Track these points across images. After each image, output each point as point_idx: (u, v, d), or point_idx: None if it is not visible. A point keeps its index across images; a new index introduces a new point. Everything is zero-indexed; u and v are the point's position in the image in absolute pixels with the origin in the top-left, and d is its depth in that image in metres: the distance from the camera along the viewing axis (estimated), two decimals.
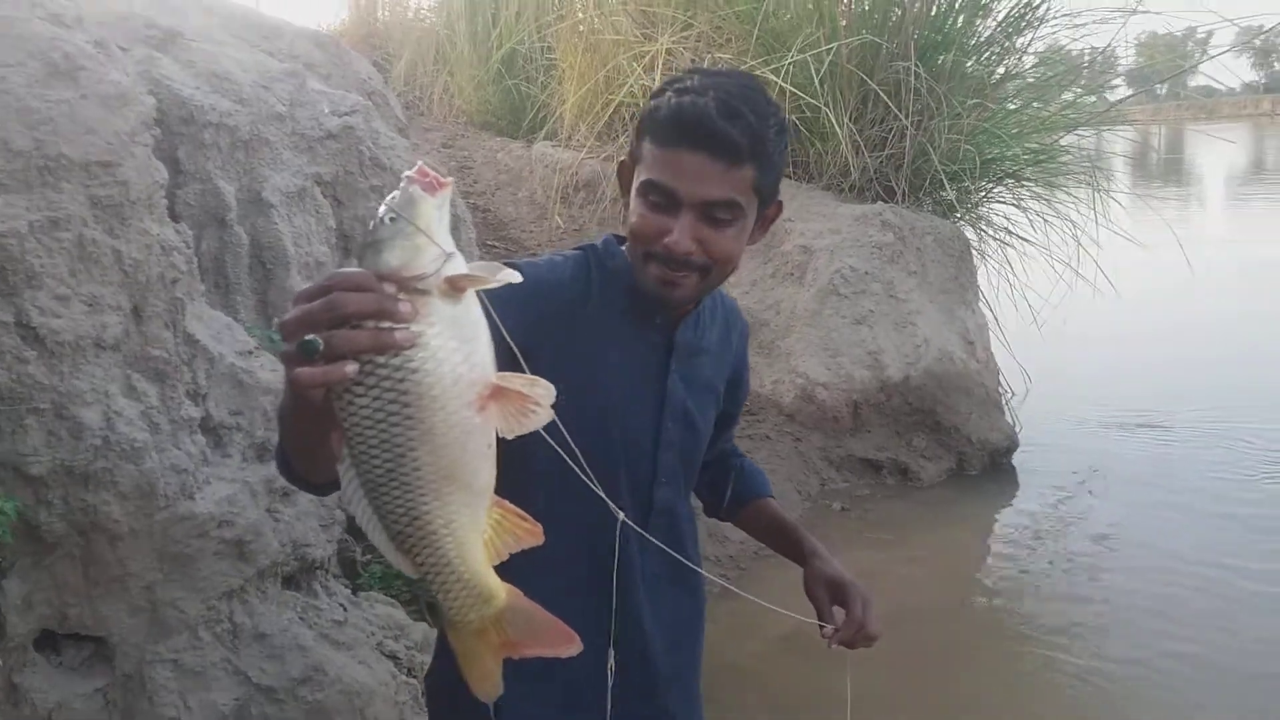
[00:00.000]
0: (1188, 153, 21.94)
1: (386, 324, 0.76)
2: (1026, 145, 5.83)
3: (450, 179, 0.83)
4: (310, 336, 0.75)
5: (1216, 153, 22.38)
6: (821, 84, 5.31)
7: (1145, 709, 3.13)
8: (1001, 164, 5.84)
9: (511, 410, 0.83)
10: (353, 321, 0.76)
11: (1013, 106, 6.15)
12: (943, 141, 5.41)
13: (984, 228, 5.98)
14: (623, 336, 1.31)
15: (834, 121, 5.33)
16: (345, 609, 2.05)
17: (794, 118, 5.39)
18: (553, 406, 0.85)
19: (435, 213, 0.80)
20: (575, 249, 1.34)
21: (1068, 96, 6.54)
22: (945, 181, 5.43)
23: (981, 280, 5.74)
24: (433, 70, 8.69)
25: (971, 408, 5.15)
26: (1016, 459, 5.19)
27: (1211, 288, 8.30)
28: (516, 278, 0.85)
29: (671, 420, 1.35)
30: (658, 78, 5.66)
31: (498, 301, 1.04)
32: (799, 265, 5.56)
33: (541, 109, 7.26)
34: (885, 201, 5.57)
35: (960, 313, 5.48)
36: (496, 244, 6.34)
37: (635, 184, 1.21)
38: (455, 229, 3.10)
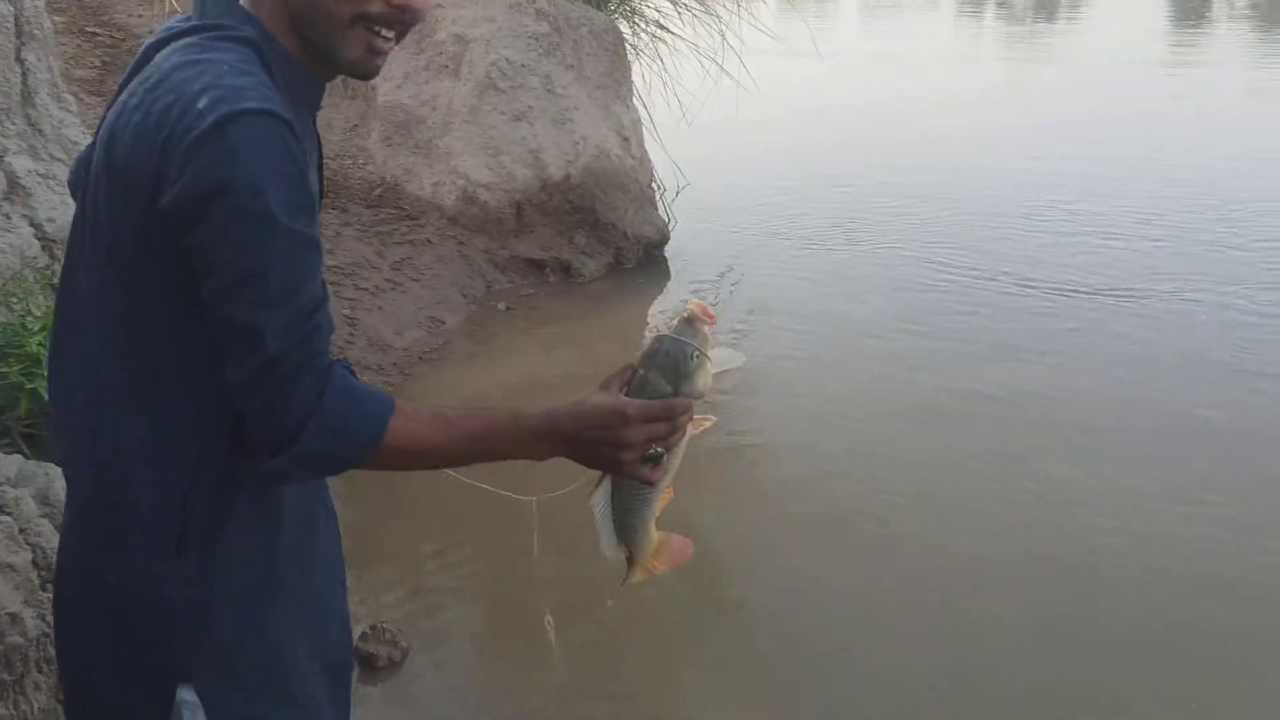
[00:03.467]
0: None
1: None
2: None
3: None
4: (658, 450, 1.04)
5: None
6: None
7: (779, 482, 3.52)
8: None
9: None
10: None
11: None
12: None
13: (637, 21, 5.99)
14: (310, 152, 1.06)
15: None
16: None
17: None
18: None
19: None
20: (226, 39, 0.98)
21: None
22: None
23: (635, 76, 5.79)
24: None
25: (627, 204, 5.30)
26: (669, 251, 5.47)
27: (843, 84, 9.04)
28: (740, 359, 1.17)
29: None
30: None
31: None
32: (454, 57, 5.29)
33: None
34: None
35: (616, 109, 5.52)
36: (99, 31, 5.42)
37: None
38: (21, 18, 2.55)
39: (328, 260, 4.64)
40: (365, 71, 1.06)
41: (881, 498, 3.31)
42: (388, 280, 4.44)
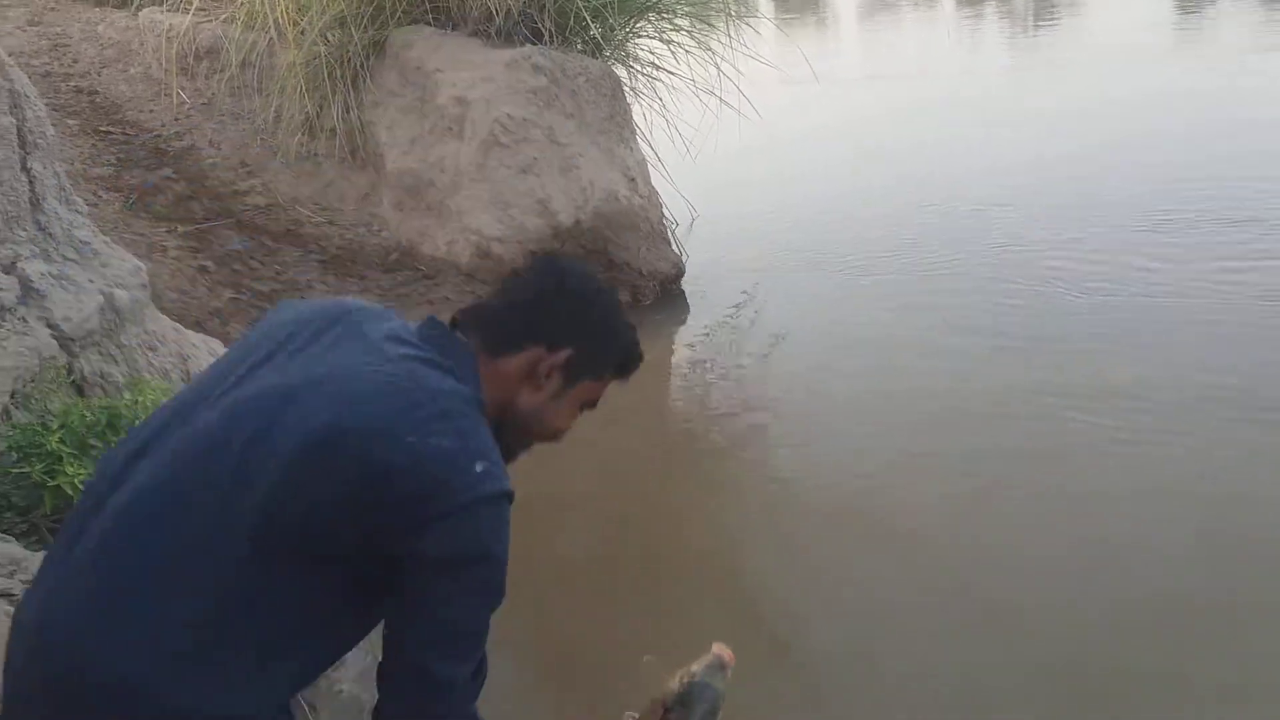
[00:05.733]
0: None
1: None
2: None
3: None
4: None
5: None
6: None
7: (816, 490, 3.48)
8: None
9: None
10: None
11: None
12: None
13: (633, 64, 6.05)
14: None
15: None
16: None
17: None
18: None
19: None
20: (471, 402, 1.12)
21: None
22: (589, 19, 5.38)
23: (637, 117, 5.84)
24: None
25: (639, 242, 5.33)
26: (686, 285, 5.47)
27: (842, 104, 9.05)
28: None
29: None
30: None
31: None
32: (456, 118, 5.36)
33: None
34: (534, 44, 5.45)
35: (620, 151, 5.57)
36: (112, 129, 5.59)
37: (584, 395, 1.26)
38: (17, 106, 2.63)
39: None
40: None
41: (913, 502, 3.26)
42: None
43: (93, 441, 2.35)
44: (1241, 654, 2.43)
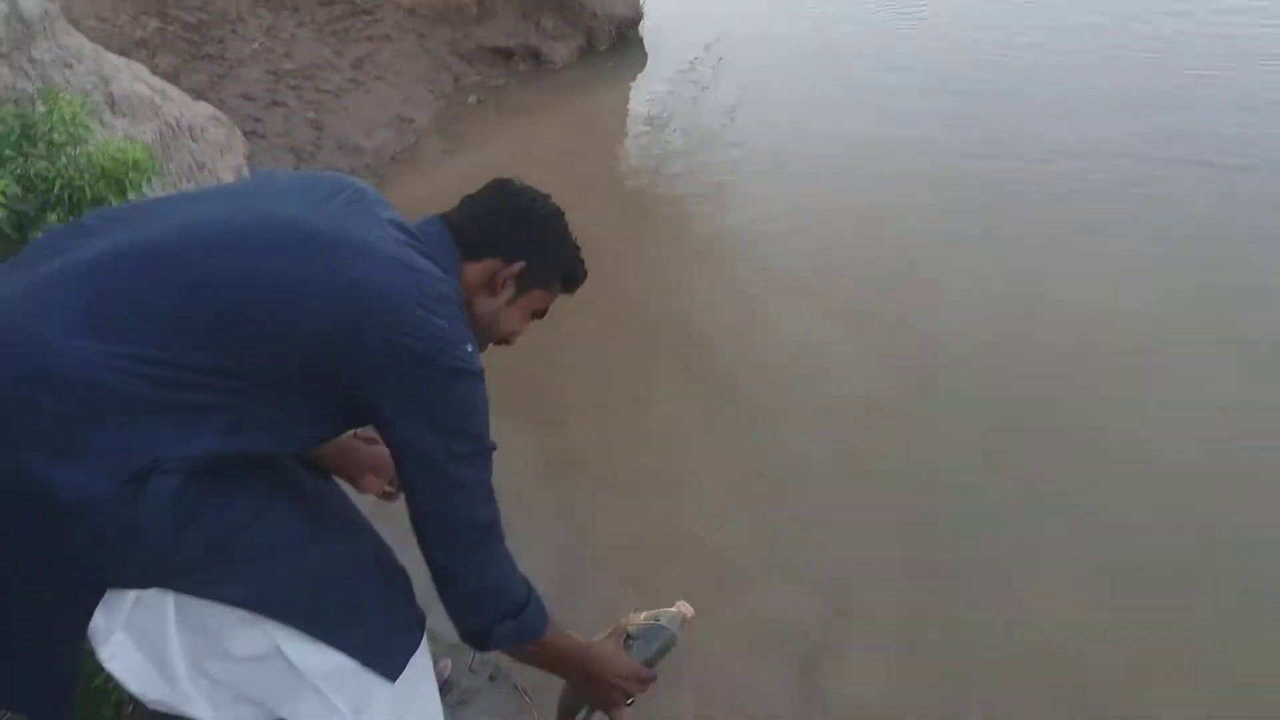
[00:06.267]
0: None
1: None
2: None
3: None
4: (632, 699, 1.36)
5: None
6: None
7: (782, 255, 3.43)
8: None
9: None
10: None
11: None
12: None
13: None
14: None
15: None
16: None
17: None
18: None
19: None
20: (454, 296, 1.23)
21: None
22: None
23: None
24: None
25: None
26: (644, 31, 5.20)
27: None
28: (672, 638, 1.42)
29: None
30: None
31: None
32: None
33: None
34: None
35: None
36: None
37: (534, 303, 1.38)
38: None
39: (286, 65, 4.44)
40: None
41: (872, 267, 3.25)
42: (350, 80, 4.25)
43: (8, 152, 2.24)
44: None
